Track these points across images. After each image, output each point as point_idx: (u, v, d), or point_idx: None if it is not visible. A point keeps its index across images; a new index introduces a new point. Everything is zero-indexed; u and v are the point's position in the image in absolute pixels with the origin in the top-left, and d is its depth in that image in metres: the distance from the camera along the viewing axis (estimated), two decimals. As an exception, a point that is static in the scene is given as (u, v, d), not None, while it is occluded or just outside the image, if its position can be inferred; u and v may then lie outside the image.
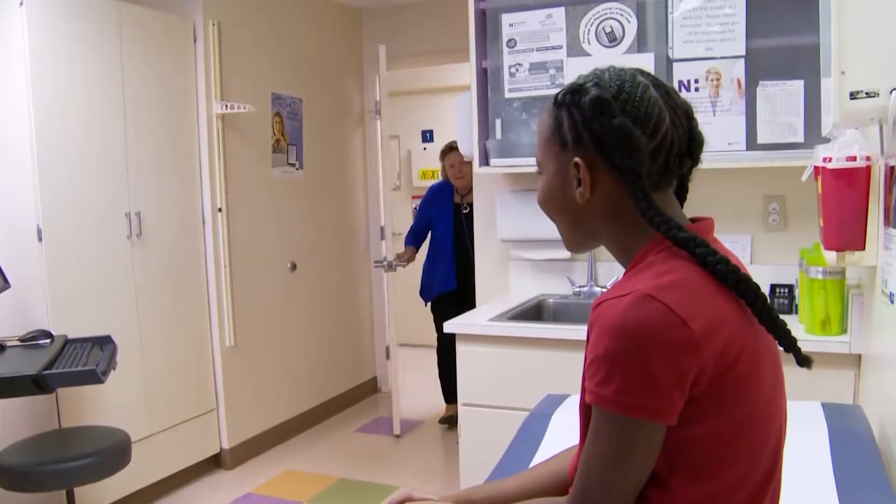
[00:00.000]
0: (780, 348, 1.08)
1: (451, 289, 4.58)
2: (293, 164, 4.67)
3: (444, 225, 4.60)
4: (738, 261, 1.13)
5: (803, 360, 1.07)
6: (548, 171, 1.15)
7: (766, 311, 1.02)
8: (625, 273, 1.10)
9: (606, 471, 1.00)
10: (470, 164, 4.02)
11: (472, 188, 4.11)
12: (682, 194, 1.16)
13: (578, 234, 1.16)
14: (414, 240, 4.84)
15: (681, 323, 0.95)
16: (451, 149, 4.53)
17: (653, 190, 1.07)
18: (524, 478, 1.38)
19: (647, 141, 1.04)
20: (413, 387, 5.59)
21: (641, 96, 1.05)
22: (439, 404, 4.90)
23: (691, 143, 1.10)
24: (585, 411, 1.06)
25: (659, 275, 1.01)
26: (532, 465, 1.71)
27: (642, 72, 1.10)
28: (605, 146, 1.05)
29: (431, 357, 5.00)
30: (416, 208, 6.00)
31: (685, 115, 1.09)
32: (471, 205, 4.15)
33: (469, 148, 3.29)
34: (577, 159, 1.08)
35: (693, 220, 1.12)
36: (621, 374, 0.96)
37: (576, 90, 1.09)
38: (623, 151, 1.04)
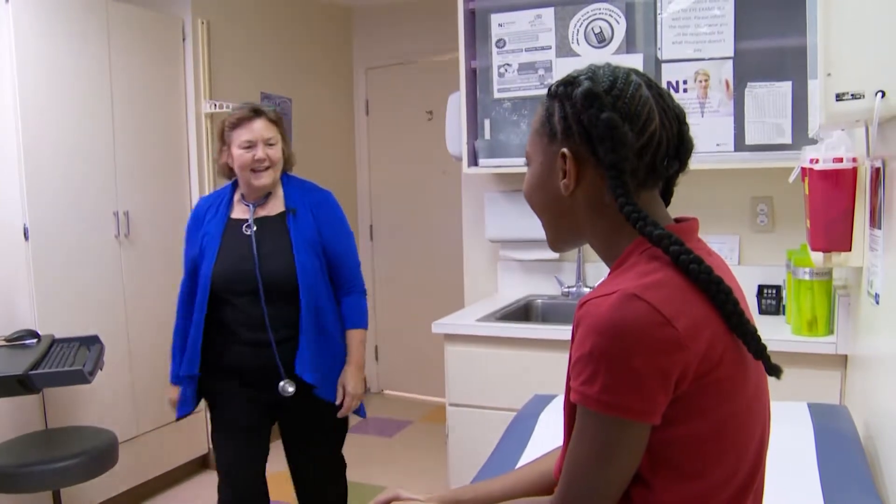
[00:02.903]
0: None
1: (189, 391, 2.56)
2: (282, 164, 4.65)
3: (206, 263, 2.50)
4: (722, 261, 1.13)
5: (772, 369, 1.05)
6: (535, 162, 1.15)
7: (735, 314, 1.01)
8: (609, 273, 1.10)
9: (591, 470, 1.00)
10: (281, 145, 2.54)
11: (274, 191, 2.56)
12: (666, 197, 1.16)
13: (562, 230, 1.15)
14: (182, 316, 2.60)
15: (665, 322, 0.95)
16: (255, 113, 2.50)
17: (638, 188, 1.07)
18: (511, 478, 1.38)
19: (635, 138, 1.04)
20: (402, 387, 5.58)
21: (633, 94, 1.06)
22: (428, 404, 4.89)
23: (680, 147, 1.10)
24: (570, 410, 1.06)
25: (643, 274, 1.01)
26: (519, 465, 1.71)
27: (637, 72, 1.11)
28: (592, 139, 1.05)
29: (422, 354, 4.97)
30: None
31: (676, 119, 1.09)
32: (270, 220, 2.53)
33: (458, 147, 3.29)
34: (564, 150, 1.08)
35: (678, 221, 1.12)
36: (605, 374, 0.96)
37: (569, 82, 1.09)
38: (608, 145, 1.04)
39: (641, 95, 1.06)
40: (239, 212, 2.55)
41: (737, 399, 1.03)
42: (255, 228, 2.49)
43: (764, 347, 1.03)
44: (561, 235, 1.17)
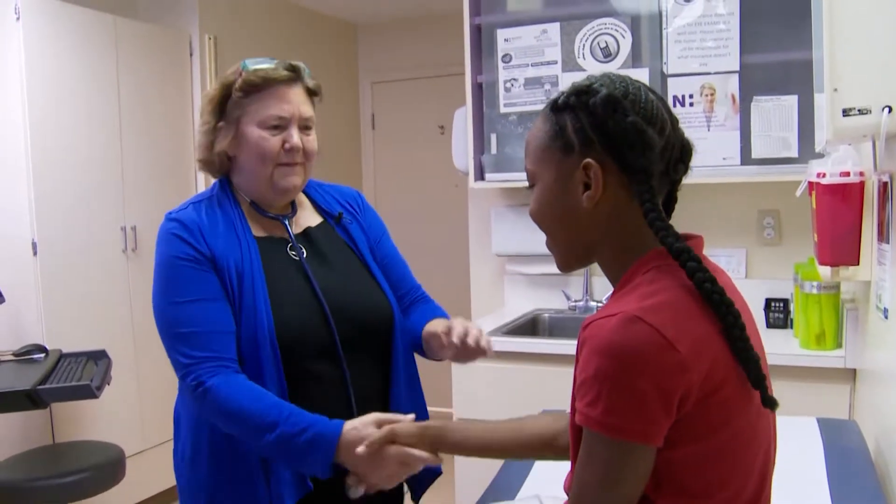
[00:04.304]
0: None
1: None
2: (289, 178, 4.67)
3: (259, 312, 1.49)
4: (728, 278, 1.12)
5: (768, 401, 1.03)
6: (544, 180, 1.12)
7: (741, 340, 1.00)
8: (613, 293, 1.10)
9: (597, 493, 1.00)
10: (315, 137, 1.61)
11: (297, 196, 1.68)
12: (670, 205, 1.15)
13: (576, 247, 1.13)
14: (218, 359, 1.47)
15: (668, 345, 0.95)
16: (294, 73, 1.56)
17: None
18: (502, 432, 1.42)
19: (658, 140, 1.04)
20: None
21: (646, 98, 1.05)
22: (435, 416, 4.87)
23: (682, 150, 1.10)
24: (576, 432, 1.05)
25: (646, 296, 1.00)
26: (527, 481, 1.71)
27: (634, 79, 1.10)
28: (618, 146, 1.04)
29: (430, 367, 4.94)
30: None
31: (677, 122, 1.10)
32: (316, 234, 1.67)
33: (464, 162, 3.30)
34: (588, 160, 1.05)
35: (683, 238, 1.12)
36: (608, 396, 0.95)
37: (582, 92, 1.07)
38: (637, 150, 1.03)
39: (652, 99, 1.06)
40: (260, 228, 1.61)
41: (740, 418, 1.02)
42: (304, 253, 1.61)
43: (763, 377, 1.01)
44: (575, 253, 1.14)
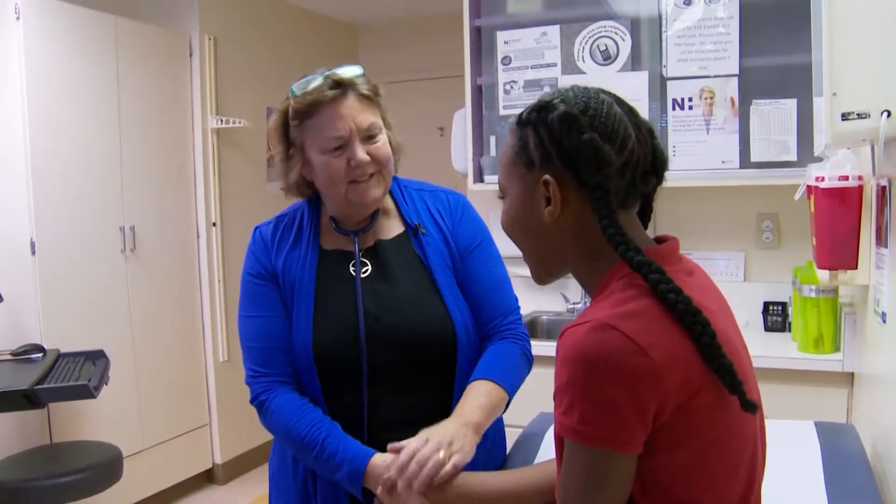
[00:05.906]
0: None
1: None
2: (288, 179, 4.67)
3: (300, 328, 1.53)
4: (705, 278, 1.11)
5: (747, 405, 1.01)
6: (512, 194, 1.12)
7: (711, 348, 0.98)
8: (591, 301, 1.09)
9: (580, 499, 0.99)
10: (386, 133, 1.56)
11: (382, 203, 1.60)
12: (646, 214, 1.15)
13: (546, 259, 1.13)
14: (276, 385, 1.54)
15: (640, 351, 0.94)
16: (339, 88, 1.53)
17: (619, 209, 1.05)
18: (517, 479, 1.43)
19: (616, 157, 1.03)
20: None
21: (607, 112, 1.05)
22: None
23: (655, 162, 1.09)
24: (559, 439, 1.05)
25: (618, 303, 0.99)
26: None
27: (604, 91, 1.10)
28: (575, 162, 1.03)
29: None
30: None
31: (648, 133, 1.09)
32: (388, 247, 1.59)
33: (464, 164, 3.30)
34: (546, 176, 1.05)
35: (658, 240, 1.11)
36: (581, 404, 0.95)
37: (542, 108, 1.07)
38: (593, 167, 1.02)
39: (615, 113, 1.05)
40: (333, 240, 1.59)
41: (720, 423, 1.01)
42: (368, 269, 1.57)
43: (739, 383, 0.99)
44: (546, 265, 1.14)
